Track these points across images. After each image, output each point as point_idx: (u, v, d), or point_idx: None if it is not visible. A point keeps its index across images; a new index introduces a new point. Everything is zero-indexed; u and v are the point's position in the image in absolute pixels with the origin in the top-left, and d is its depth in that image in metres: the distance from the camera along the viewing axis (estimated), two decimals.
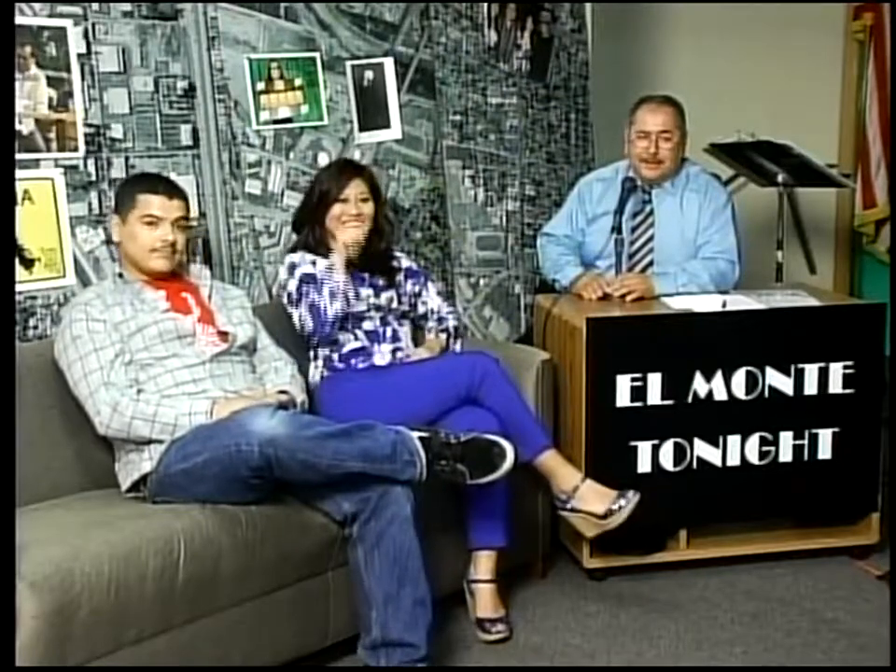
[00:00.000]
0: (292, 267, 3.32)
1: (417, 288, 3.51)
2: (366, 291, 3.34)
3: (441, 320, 3.52)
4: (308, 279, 3.27)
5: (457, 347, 3.53)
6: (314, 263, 3.31)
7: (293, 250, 3.40)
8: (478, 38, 4.00)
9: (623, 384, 3.28)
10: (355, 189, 3.34)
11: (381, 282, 3.39)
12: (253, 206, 3.53)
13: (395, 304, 3.40)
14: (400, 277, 3.46)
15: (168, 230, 2.96)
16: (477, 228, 4.07)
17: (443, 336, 3.51)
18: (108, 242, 3.18)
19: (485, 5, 4.00)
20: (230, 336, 3.01)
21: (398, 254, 3.54)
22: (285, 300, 3.32)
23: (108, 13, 3.20)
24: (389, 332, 3.37)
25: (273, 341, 3.18)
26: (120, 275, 3.03)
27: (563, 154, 4.27)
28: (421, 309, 3.52)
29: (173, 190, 3.01)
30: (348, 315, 3.28)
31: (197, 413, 2.80)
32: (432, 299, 3.53)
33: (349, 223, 3.32)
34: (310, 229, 3.38)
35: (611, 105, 4.14)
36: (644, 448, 3.33)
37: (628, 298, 3.51)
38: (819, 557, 3.49)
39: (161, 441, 2.80)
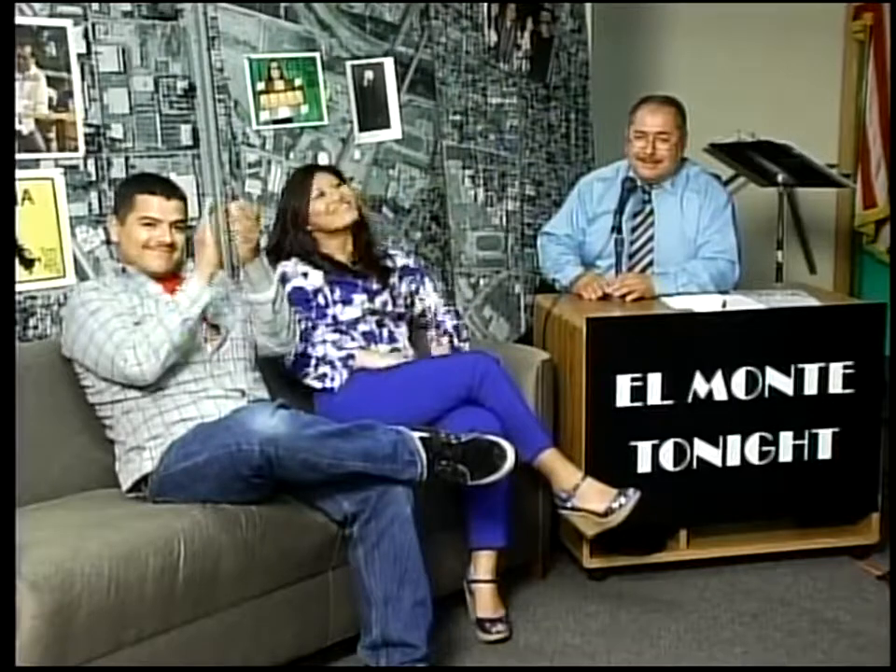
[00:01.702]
0: (282, 278, 3.25)
1: (414, 286, 3.50)
2: (359, 297, 3.33)
3: (439, 325, 3.51)
4: (299, 296, 3.25)
5: (466, 347, 3.52)
6: (305, 275, 3.30)
7: (287, 257, 3.34)
8: (478, 38, 4.00)
9: (623, 384, 3.28)
10: (322, 180, 3.34)
11: (375, 286, 3.38)
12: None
13: (389, 307, 3.39)
14: (394, 279, 3.45)
15: (166, 231, 2.95)
16: (477, 228, 4.07)
17: (445, 340, 3.50)
18: (108, 242, 3.18)
19: (485, 5, 4.00)
20: (222, 328, 3.01)
21: (392, 252, 3.54)
22: None
23: (108, 13, 3.20)
24: (386, 333, 3.36)
25: None
26: (123, 269, 3.04)
27: (563, 154, 4.27)
28: (418, 307, 3.51)
29: (170, 191, 3.00)
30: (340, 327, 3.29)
31: (187, 283, 2.86)
32: (429, 296, 3.52)
33: (337, 209, 3.32)
34: (295, 239, 3.32)
35: (611, 105, 4.14)
36: (644, 448, 3.33)
37: (628, 298, 3.51)
38: (819, 557, 3.49)
39: (157, 437, 2.80)
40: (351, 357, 3.23)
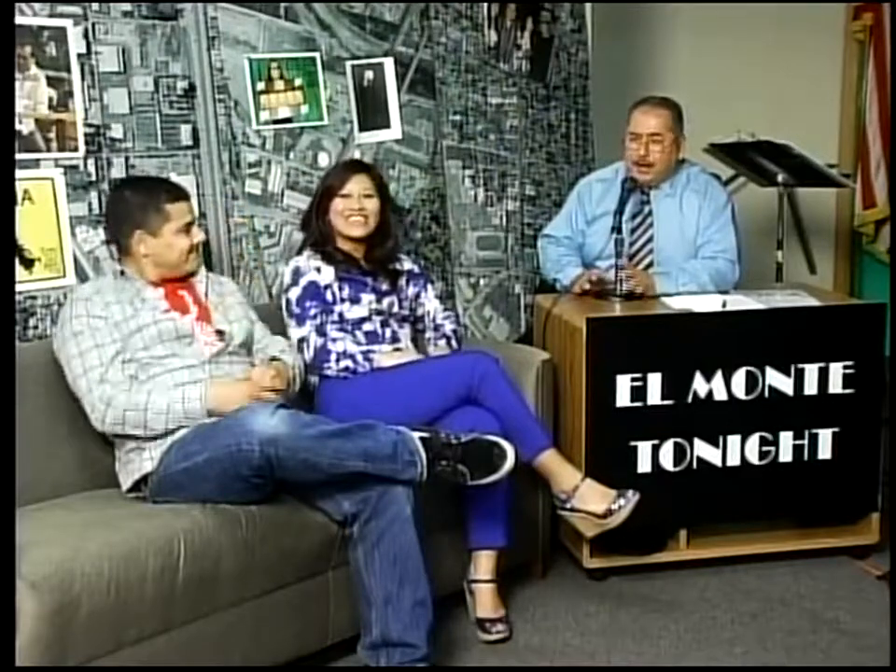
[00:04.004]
0: (296, 273, 3.31)
1: (417, 290, 3.51)
2: (368, 297, 3.34)
3: (437, 328, 3.52)
4: (314, 291, 3.28)
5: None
6: (318, 270, 3.32)
7: (299, 251, 3.40)
8: (478, 38, 4.00)
9: (623, 384, 3.28)
10: (358, 184, 3.36)
11: (384, 287, 3.40)
12: (253, 206, 3.53)
13: (396, 309, 3.40)
14: (402, 282, 3.47)
15: (197, 230, 3.01)
16: (477, 228, 4.07)
17: (443, 343, 3.51)
18: (108, 242, 3.17)
19: (485, 5, 4.00)
20: (227, 335, 3.01)
21: (400, 256, 3.55)
22: (283, 304, 3.32)
23: (108, 13, 3.20)
24: (389, 334, 3.37)
25: (269, 331, 3.18)
26: (122, 272, 3.03)
27: (563, 154, 4.27)
28: (419, 311, 3.52)
29: (184, 191, 3.05)
30: (347, 323, 3.31)
31: (190, 400, 2.80)
32: (430, 301, 3.53)
33: (351, 217, 3.34)
34: (316, 225, 3.39)
35: (611, 105, 4.14)
36: (644, 448, 3.33)
37: (628, 281, 3.50)
38: (819, 557, 3.49)
39: (156, 438, 2.80)
40: (371, 351, 3.26)
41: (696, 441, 3.35)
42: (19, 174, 3.02)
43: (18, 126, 3.04)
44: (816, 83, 5.38)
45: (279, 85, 3.56)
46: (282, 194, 3.59)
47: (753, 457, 3.39)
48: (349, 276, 3.35)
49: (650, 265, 3.68)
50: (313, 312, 3.27)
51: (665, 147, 3.62)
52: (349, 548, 2.78)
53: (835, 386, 3.40)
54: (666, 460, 3.34)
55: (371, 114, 3.76)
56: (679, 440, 3.34)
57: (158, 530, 2.56)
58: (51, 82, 3.11)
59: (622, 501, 3.03)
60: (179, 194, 3.01)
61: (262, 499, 2.73)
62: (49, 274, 3.12)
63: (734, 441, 3.37)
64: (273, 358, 3.04)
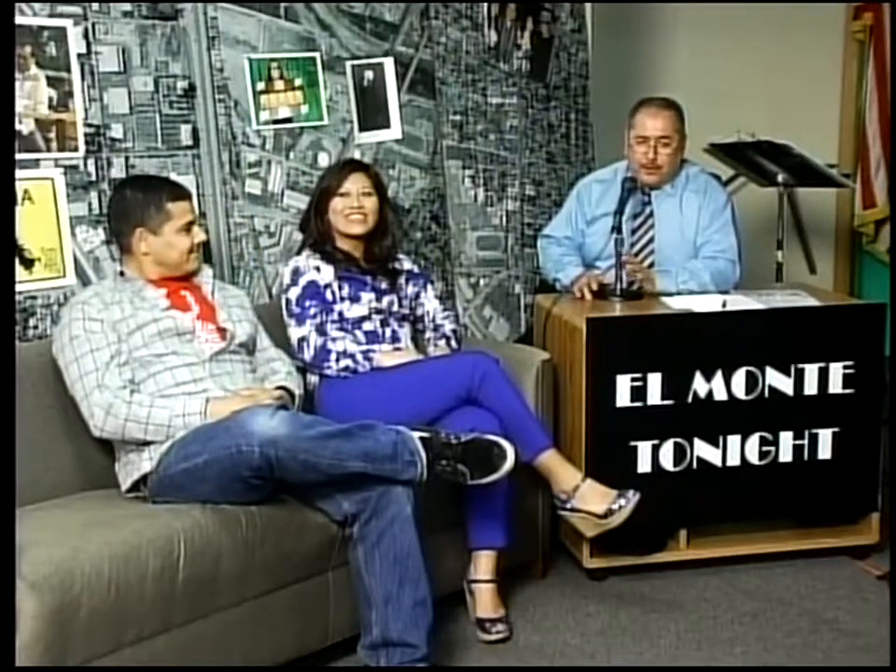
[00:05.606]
0: (295, 273, 3.32)
1: (416, 290, 3.51)
2: (368, 296, 3.34)
3: (437, 328, 3.52)
4: (313, 290, 3.28)
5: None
6: (318, 269, 3.32)
7: (299, 251, 3.41)
8: (478, 38, 4.00)
9: (623, 384, 3.28)
10: (356, 183, 3.36)
11: (384, 285, 3.40)
12: (253, 206, 3.53)
13: (395, 308, 3.41)
14: (402, 280, 3.47)
15: (198, 230, 3.02)
16: (477, 228, 4.07)
17: (443, 343, 3.51)
18: (108, 242, 3.18)
19: (485, 5, 4.00)
20: (228, 333, 3.01)
21: (400, 256, 3.55)
22: (283, 304, 3.32)
23: (108, 13, 3.20)
24: (389, 333, 3.37)
25: (273, 342, 3.19)
26: (122, 273, 3.03)
27: (563, 154, 4.27)
28: (419, 311, 3.52)
29: (186, 190, 3.06)
30: (347, 322, 3.31)
31: (191, 414, 2.80)
32: (429, 300, 3.53)
33: (351, 216, 3.34)
34: (314, 225, 3.40)
35: (611, 105, 4.14)
36: (644, 448, 3.33)
37: (630, 270, 3.50)
38: (819, 557, 3.49)
39: (158, 442, 2.80)
40: (371, 351, 3.26)
41: (696, 441, 3.35)
42: (19, 174, 3.02)
43: (18, 126, 3.04)
44: (816, 83, 5.38)
45: (279, 85, 3.56)
46: (282, 194, 3.59)
47: (753, 457, 3.39)
48: (349, 275, 3.35)
49: (651, 266, 3.67)
50: (312, 311, 3.27)
51: (674, 148, 3.62)
52: (349, 548, 2.78)
53: (835, 386, 3.40)
54: (666, 460, 3.34)
55: (371, 114, 3.76)
56: (679, 440, 3.34)
57: (158, 530, 2.56)
58: (51, 82, 3.11)
59: (622, 501, 3.03)
60: (181, 193, 3.02)
61: (262, 500, 2.72)
62: (48, 274, 3.12)
63: (734, 441, 3.37)
64: (280, 387, 3.02)
